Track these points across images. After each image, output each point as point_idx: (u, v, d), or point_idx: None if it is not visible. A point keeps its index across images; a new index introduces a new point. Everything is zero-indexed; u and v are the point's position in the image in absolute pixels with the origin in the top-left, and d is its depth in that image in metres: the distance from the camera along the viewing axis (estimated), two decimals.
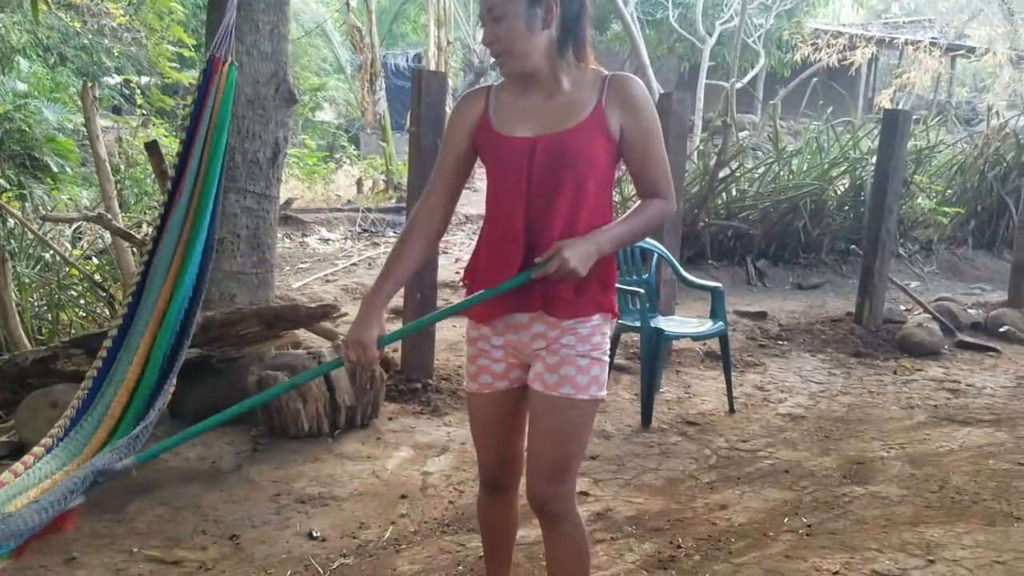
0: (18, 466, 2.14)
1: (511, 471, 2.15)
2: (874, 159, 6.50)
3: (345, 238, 9.68)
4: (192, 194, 2.78)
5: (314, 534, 2.89)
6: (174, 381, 2.55)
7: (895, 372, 5.26)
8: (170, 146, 7.00)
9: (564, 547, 2.01)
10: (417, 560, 2.73)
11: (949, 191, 9.15)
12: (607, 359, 1.97)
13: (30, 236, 5.20)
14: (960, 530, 3.00)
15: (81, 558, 2.65)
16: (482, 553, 2.77)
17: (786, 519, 3.12)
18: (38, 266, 5.15)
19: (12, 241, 5.15)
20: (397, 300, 5.90)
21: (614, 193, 6.46)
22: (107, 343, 2.60)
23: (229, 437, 3.67)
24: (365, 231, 10.06)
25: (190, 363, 3.60)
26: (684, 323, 4.66)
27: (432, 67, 14.68)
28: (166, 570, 2.63)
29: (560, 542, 2.01)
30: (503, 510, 2.20)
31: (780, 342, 5.83)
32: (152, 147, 4.11)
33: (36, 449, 2.25)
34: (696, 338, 4.74)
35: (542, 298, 1.90)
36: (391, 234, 9.82)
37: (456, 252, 8.93)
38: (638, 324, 4.25)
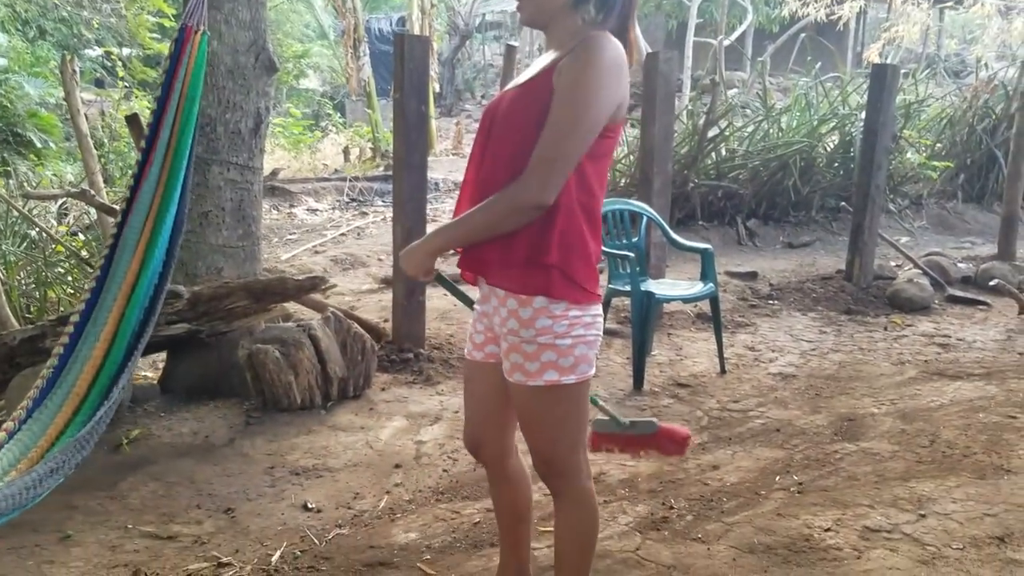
0: None
1: (489, 448, 2.11)
2: (863, 115, 6.46)
3: (333, 208, 9.63)
4: (163, 166, 2.73)
5: (309, 505, 2.90)
6: (153, 356, 2.53)
7: (886, 328, 5.28)
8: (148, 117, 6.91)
9: (563, 522, 1.99)
10: (412, 528, 2.74)
11: (938, 145, 9.13)
12: (569, 341, 1.80)
13: (15, 214, 5.15)
14: (951, 484, 3.03)
15: (76, 536, 2.66)
16: (476, 519, 2.79)
17: (777, 477, 3.14)
18: (24, 244, 5.11)
19: None
20: (386, 270, 5.90)
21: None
22: (74, 318, 2.57)
23: (222, 411, 3.67)
24: (353, 200, 10.00)
25: (179, 339, 3.59)
26: (675, 285, 4.65)
27: (416, 31, 14.49)
28: (161, 545, 2.63)
29: (560, 517, 1.99)
30: (501, 487, 2.17)
31: (771, 302, 5.84)
32: (133, 120, 4.04)
33: None
34: (687, 300, 4.73)
35: (472, 261, 1.86)
36: (379, 203, 9.76)
37: (445, 219, 8.90)
38: (628, 288, 4.24)
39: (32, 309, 4.52)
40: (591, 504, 1.98)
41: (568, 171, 1.70)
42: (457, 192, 10.63)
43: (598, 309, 1.87)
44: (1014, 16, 15.65)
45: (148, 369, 4.19)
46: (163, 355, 4.01)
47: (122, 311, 2.59)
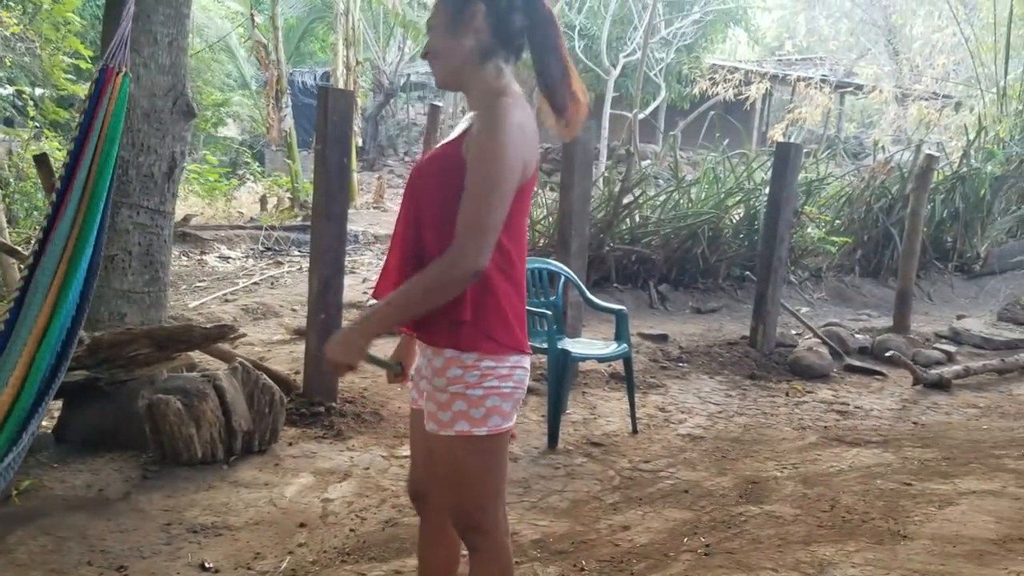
0: None
1: (430, 498, 2.10)
2: (767, 189, 6.76)
3: (247, 256, 9.44)
4: (79, 208, 2.65)
5: (206, 565, 2.78)
6: (51, 404, 2.41)
7: (787, 394, 5.45)
8: (64, 159, 6.70)
9: (480, 572, 1.97)
10: None
11: (837, 221, 9.59)
12: (480, 392, 1.82)
13: None
14: (850, 548, 3.10)
15: None
16: None
17: (685, 539, 3.18)
18: None
19: None
20: (299, 321, 5.78)
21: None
22: None
23: (118, 463, 3.51)
24: (268, 249, 9.83)
25: (77, 386, 3.43)
26: (590, 345, 4.71)
27: (340, 86, 14.54)
28: None
29: (475, 572, 1.97)
30: (435, 541, 2.14)
31: (680, 364, 5.97)
32: (42, 160, 3.90)
33: None
34: (601, 359, 4.80)
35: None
36: (296, 253, 9.63)
37: (364, 272, 8.83)
38: (545, 346, 4.28)
39: None
40: (506, 559, 1.98)
41: (496, 235, 1.72)
42: (375, 244, 10.61)
43: (518, 360, 1.87)
44: (910, 103, 16.74)
45: (44, 418, 3.97)
46: (59, 403, 3.82)
47: (32, 356, 2.48)
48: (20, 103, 11.43)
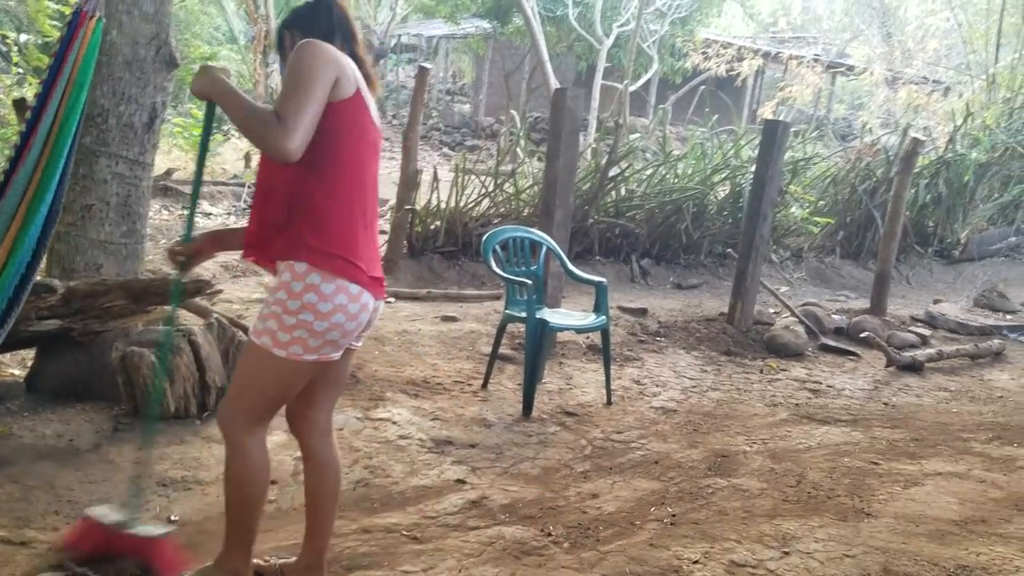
0: None
1: (295, 422, 2.39)
2: (753, 168, 6.77)
3: (229, 213, 9.37)
4: (42, 152, 2.60)
5: (173, 518, 2.79)
6: (23, 352, 2.38)
7: (761, 371, 5.50)
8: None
9: (227, 468, 2.20)
10: (283, 548, 2.66)
11: (821, 202, 9.62)
12: (293, 321, 2.05)
13: None
14: (814, 524, 3.15)
15: None
16: (351, 541, 2.75)
17: (653, 508, 3.21)
18: None
19: None
20: None
21: (508, 184, 6.28)
22: None
23: (89, 415, 3.50)
24: (250, 207, 9.76)
25: (50, 336, 3.41)
26: (568, 316, 4.72)
27: None
28: (13, 551, 2.48)
29: (226, 462, 2.20)
30: (305, 464, 2.42)
31: (658, 338, 6.00)
32: (20, 105, 3.84)
33: None
34: (579, 330, 4.81)
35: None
36: None
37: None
38: (524, 314, 4.29)
39: None
40: (248, 459, 2.17)
41: (303, 126, 1.93)
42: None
43: (343, 303, 2.06)
44: (900, 86, 16.75)
45: (15, 366, 3.95)
46: (32, 352, 3.80)
47: None
48: (4, 49, 11.22)
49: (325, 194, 2.06)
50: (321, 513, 2.36)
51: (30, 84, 9.78)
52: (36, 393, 3.61)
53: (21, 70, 10.27)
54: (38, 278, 3.55)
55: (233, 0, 17.01)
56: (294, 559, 2.43)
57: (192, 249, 2.35)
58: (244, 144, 12.97)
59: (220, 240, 2.43)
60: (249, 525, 2.25)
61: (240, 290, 6.06)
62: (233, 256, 6.94)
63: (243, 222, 8.82)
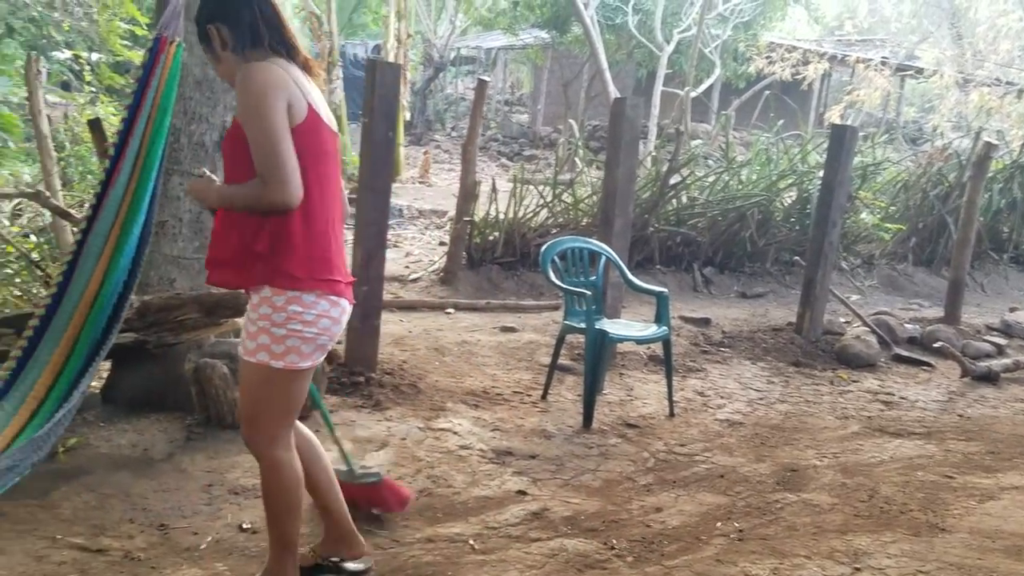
0: None
1: None
2: (821, 173, 6.63)
3: None
4: (132, 174, 2.69)
5: (245, 526, 2.85)
6: (100, 365, 2.47)
7: (832, 382, 5.37)
8: (118, 126, 6.86)
9: (263, 483, 2.32)
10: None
11: (892, 208, 9.37)
12: (283, 332, 2.13)
13: None
14: (887, 539, 3.07)
15: (2, 544, 2.57)
16: (416, 551, 2.77)
17: (719, 523, 3.16)
18: None
19: None
20: None
21: (567, 194, 6.30)
22: (33, 323, 2.51)
23: (163, 424, 3.60)
24: None
25: (125, 348, 3.52)
26: (629, 326, 4.69)
27: (391, 59, 14.57)
28: (90, 558, 2.56)
29: (262, 478, 2.32)
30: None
31: (722, 349, 5.91)
32: (95, 125, 4.00)
33: None
34: (640, 342, 4.77)
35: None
36: None
37: (407, 246, 8.88)
38: (583, 325, 4.27)
39: None
40: (286, 475, 2.29)
41: (288, 168, 2.02)
42: (419, 219, 10.68)
43: (326, 310, 2.16)
44: (971, 89, 16.24)
45: (93, 378, 4.09)
46: (108, 364, 3.93)
47: (84, 317, 2.55)
48: (77, 68, 11.66)
49: (303, 222, 2.13)
50: (323, 487, 2.52)
51: (102, 102, 10.15)
52: (112, 404, 3.73)
53: (94, 89, 10.67)
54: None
55: (297, 18, 17.40)
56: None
57: None
58: None
59: None
60: (293, 532, 2.36)
61: None
62: None
63: None
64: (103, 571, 2.49)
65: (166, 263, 3.75)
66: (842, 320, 6.70)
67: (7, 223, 6.08)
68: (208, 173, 2.32)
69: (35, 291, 4.64)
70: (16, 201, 6.40)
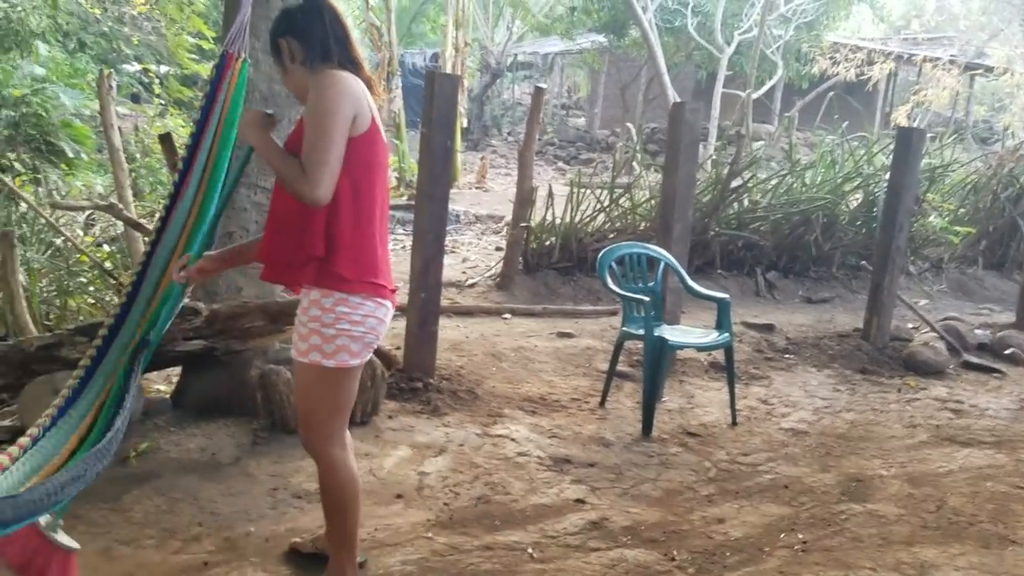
0: (2, 458, 2.12)
1: None
2: (887, 175, 6.47)
3: None
4: (199, 187, 2.75)
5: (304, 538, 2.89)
6: (141, 367, 2.52)
7: (899, 390, 5.23)
8: (187, 136, 7.07)
9: (321, 483, 2.41)
10: (410, 561, 2.73)
11: (961, 210, 9.10)
12: (333, 332, 2.23)
13: (42, 221, 5.24)
14: (955, 551, 2.99)
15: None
16: (474, 558, 2.79)
17: (782, 535, 3.11)
18: (48, 252, 5.18)
19: (24, 226, 5.18)
20: (401, 298, 5.92)
21: (625, 198, 6.26)
22: (103, 332, 2.58)
23: (230, 429, 3.69)
24: None
25: (195, 355, 3.63)
26: (689, 333, 4.65)
27: (449, 68, 14.70)
28: (161, 561, 2.64)
29: (320, 478, 2.41)
30: None
31: (787, 356, 5.81)
32: (166, 139, 4.13)
33: (22, 440, 2.23)
34: (700, 349, 4.72)
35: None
36: (400, 231, 9.83)
37: (463, 252, 8.95)
38: (642, 332, 4.24)
39: (51, 317, 4.58)
40: (343, 475, 2.38)
41: (329, 171, 2.14)
42: (476, 224, 10.75)
43: (372, 310, 2.26)
44: None
45: (162, 383, 4.22)
46: (178, 370, 4.05)
47: (143, 327, 2.62)
48: (146, 80, 12.03)
49: (354, 227, 2.25)
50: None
51: (171, 114, 10.45)
52: (181, 409, 3.84)
53: (163, 101, 10.99)
54: (185, 301, 3.79)
55: (358, 29, 17.69)
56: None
57: (197, 267, 2.50)
58: None
59: (228, 259, 2.64)
60: (352, 530, 2.44)
61: None
62: None
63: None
64: (171, 573, 2.56)
65: (233, 272, 3.84)
66: (910, 326, 6.52)
67: (81, 233, 6.31)
68: (272, 115, 2.42)
69: (108, 299, 4.80)
70: (89, 212, 6.64)
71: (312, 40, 2.29)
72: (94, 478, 2.15)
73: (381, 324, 2.31)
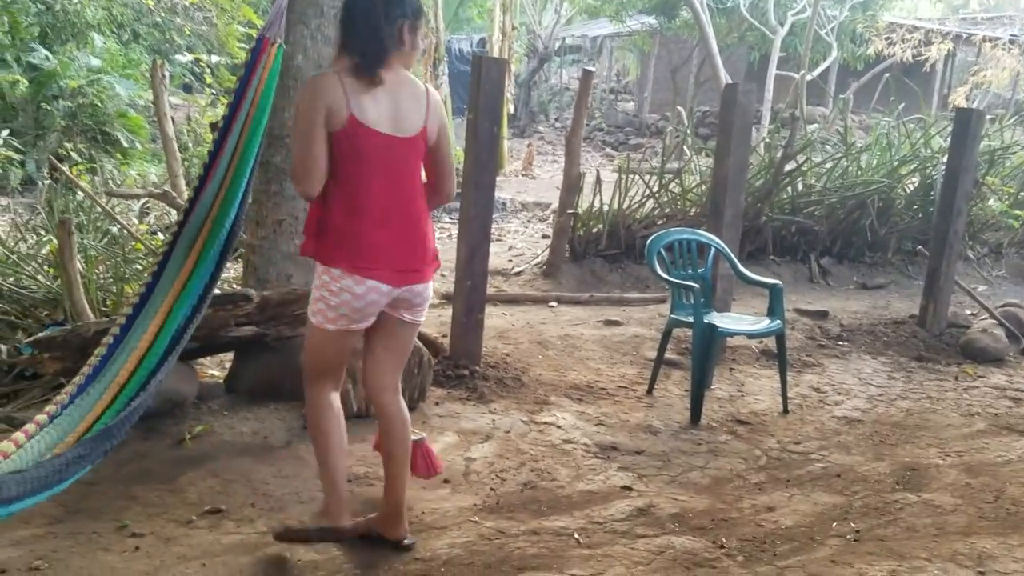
0: (19, 435, 2.15)
1: (368, 385, 2.83)
2: (945, 158, 6.29)
3: None
4: (227, 172, 2.76)
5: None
6: (177, 356, 2.55)
7: (956, 378, 5.10)
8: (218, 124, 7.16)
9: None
10: (457, 545, 2.75)
11: (1022, 194, 8.81)
12: (316, 295, 2.55)
13: (98, 210, 5.36)
14: (1014, 543, 2.91)
15: (133, 525, 2.73)
16: (521, 542, 2.79)
17: (834, 524, 3.06)
18: (105, 239, 5.30)
19: (81, 214, 5.30)
20: (448, 286, 5.94)
21: (674, 184, 6.16)
22: (126, 310, 2.60)
23: (281, 413, 3.74)
24: None
25: (246, 341, 3.69)
26: (739, 320, 4.58)
27: (496, 53, 14.66)
28: (214, 540, 2.69)
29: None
30: (379, 422, 2.80)
31: (840, 343, 5.70)
32: (216, 127, 4.19)
33: (40, 417, 2.24)
34: (751, 336, 4.66)
35: None
36: (446, 219, 9.86)
37: (510, 240, 8.94)
38: (691, 319, 4.19)
39: (108, 303, 4.68)
40: (313, 412, 2.67)
41: (306, 168, 2.42)
42: (522, 212, 10.72)
43: (349, 285, 2.47)
44: None
45: (215, 368, 4.30)
46: (231, 355, 4.12)
47: (170, 307, 2.62)
48: (198, 70, 12.23)
49: (344, 214, 2.48)
50: (395, 462, 2.71)
51: (221, 103, 10.61)
52: (234, 393, 3.91)
53: (214, 91, 11.17)
54: (237, 288, 3.84)
55: None
56: (375, 515, 2.77)
57: None
58: None
59: None
60: (327, 470, 2.67)
61: None
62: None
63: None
64: (226, 553, 2.61)
65: (283, 260, 3.89)
66: (968, 312, 6.34)
67: (136, 221, 6.45)
68: None
69: (142, 283, 4.89)
70: (144, 200, 6.78)
71: (340, 39, 2.51)
72: (100, 458, 2.17)
73: (357, 300, 2.50)
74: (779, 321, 4.33)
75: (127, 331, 2.57)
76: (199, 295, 2.70)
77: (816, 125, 11.44)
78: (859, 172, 8.15)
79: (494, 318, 5.29)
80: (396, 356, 2.73)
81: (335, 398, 2.69)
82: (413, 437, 2.88)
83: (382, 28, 2.42)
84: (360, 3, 2.44)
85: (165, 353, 2.54)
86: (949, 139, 6.18)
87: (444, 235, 8.91)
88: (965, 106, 9.15)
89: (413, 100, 2.50)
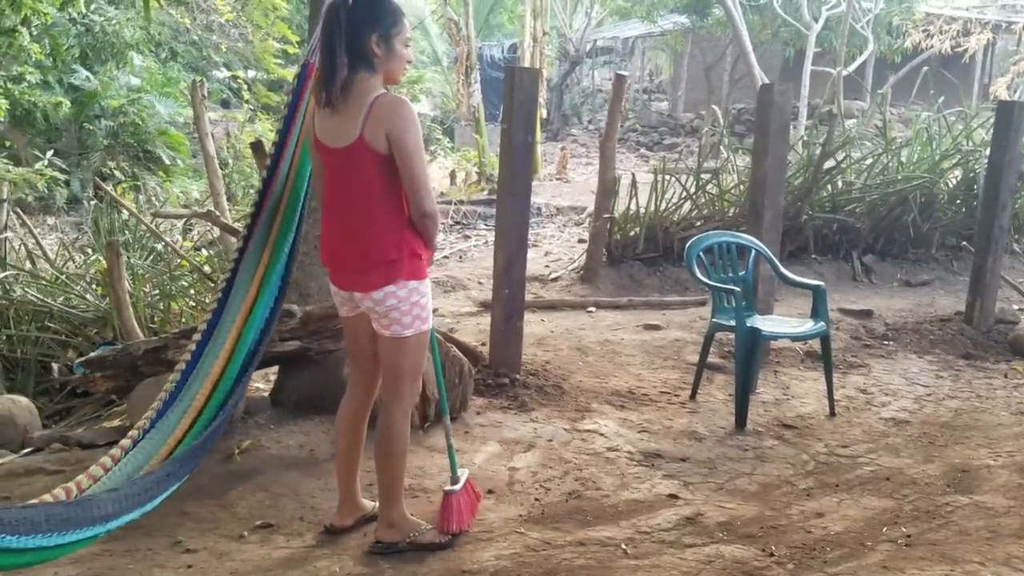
0: (106, 459, 2.24)
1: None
2: (988, 152, 6.17)
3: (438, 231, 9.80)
4: (281, 197, 2.84)
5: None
6: (264, 371, 2.64)
7: (1006, 376, 5.00)
8: (270, 151, 7.27)
9: None
10: (503, 556, 2.76)
11: None
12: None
13: (143, 228, 5.47)
14: None
15: (186, 542, 2.78)
16: (568, 553, 2.79)
17: (885, 528, 3.02)
18: (150, 257, 5.41)
19: (126, 232, 5.43)
20: (486, 294, 5.97)
21: (712, 184, 6.11)
22: (196, 336, 2.68)
23: (326, 426, 3.78)
24: (457, 223, 10.17)
25: (290, 355, 3.73)
26: (783, 322, 4.53)
27: (527, 58, 14.68)
28: (265, 555, 2.73)
29: None
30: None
31: (886, 342, 5.62)
32: (256, 146, 4.27)
33: (124, 441, 2.35)
34: (795, 339, 4.60)
35: None
36: (482, 227, 9.90)
37: (546, 245, 8.93)
38: (733, 323, 4.16)
39: (156, 320, 4.78)
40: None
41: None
42: (558, 216, 10.72)
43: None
44: None
45: (261, 382, 4.36)
46: (275, 369, 4.17)
47: (240, 330, 2.70)
48: (235, 86, 12.43)
49: (323, 219, 2.72)
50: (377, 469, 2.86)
51: (260, 119, 10.78)
52: (279, 407, 3.96)
53: (252, 107, 11.34)
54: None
55: (436, 23, 17.83)
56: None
57: None
58: (450, 163, 13.57)
59: None
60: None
61: (451, 304, 6.33)
62: (445, 273, 7.28)
63: (451, 239, 9.27)
64: (278, 567, 2.65)
65: (324, 275, 3.92)
66: (1016, 308, 6.22)
67: (180, 238, 6.57)
68: None
69: (207, 301, 4.99)
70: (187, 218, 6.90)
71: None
72: (186, 476, 2.26)
73: (334, 295, 2.79)
74: (823, 323, 4.28)
75: (199, 358, 2.65)
76: (265, 319, 2.78)
77: (854, 120, 11.29)
78: (900, 168, 8.03)
79: (532, 325, 5.29)
80: (383, 369, 2.81)
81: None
82: (445, 487, 2.90)
83: (337, 54, 2.47)
84: (323, 28, 2.52)
85: (238, 376, 2.62)
86: (991, 132, 6.07)
87: (480, 242, 8.95)
88: (1007, 97, 8.96)
89: (356, 109, 2.50)
